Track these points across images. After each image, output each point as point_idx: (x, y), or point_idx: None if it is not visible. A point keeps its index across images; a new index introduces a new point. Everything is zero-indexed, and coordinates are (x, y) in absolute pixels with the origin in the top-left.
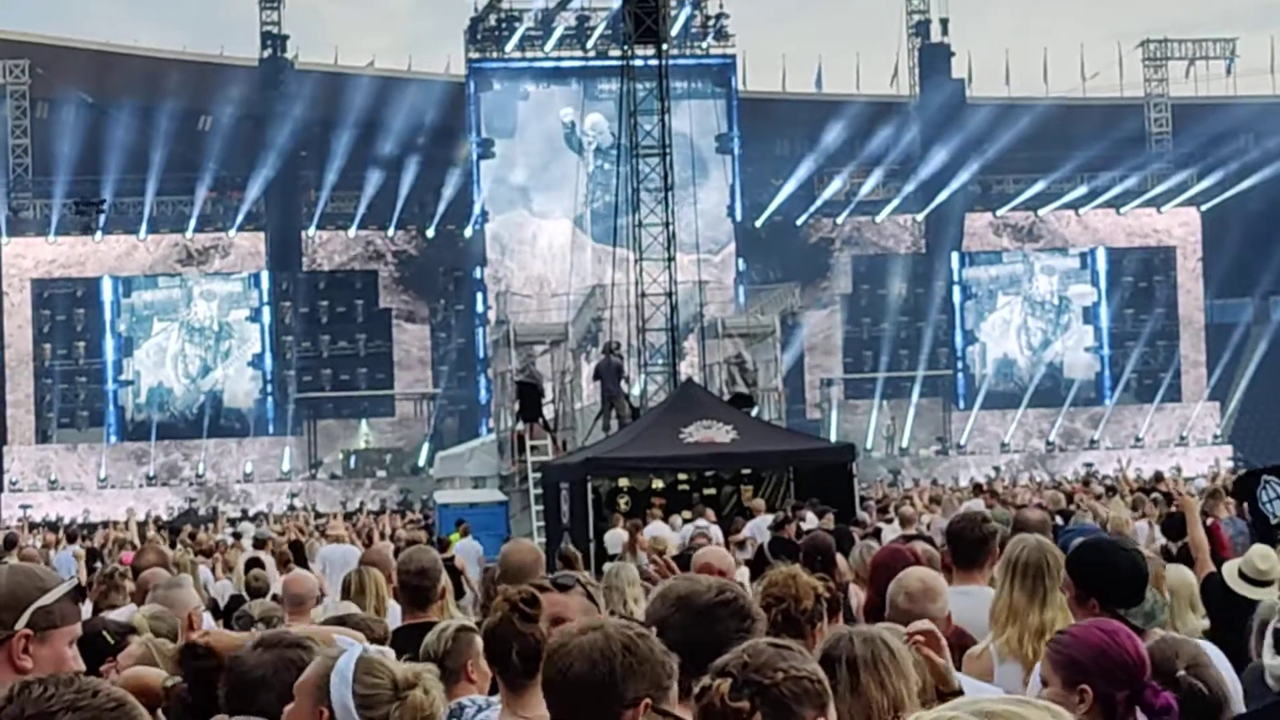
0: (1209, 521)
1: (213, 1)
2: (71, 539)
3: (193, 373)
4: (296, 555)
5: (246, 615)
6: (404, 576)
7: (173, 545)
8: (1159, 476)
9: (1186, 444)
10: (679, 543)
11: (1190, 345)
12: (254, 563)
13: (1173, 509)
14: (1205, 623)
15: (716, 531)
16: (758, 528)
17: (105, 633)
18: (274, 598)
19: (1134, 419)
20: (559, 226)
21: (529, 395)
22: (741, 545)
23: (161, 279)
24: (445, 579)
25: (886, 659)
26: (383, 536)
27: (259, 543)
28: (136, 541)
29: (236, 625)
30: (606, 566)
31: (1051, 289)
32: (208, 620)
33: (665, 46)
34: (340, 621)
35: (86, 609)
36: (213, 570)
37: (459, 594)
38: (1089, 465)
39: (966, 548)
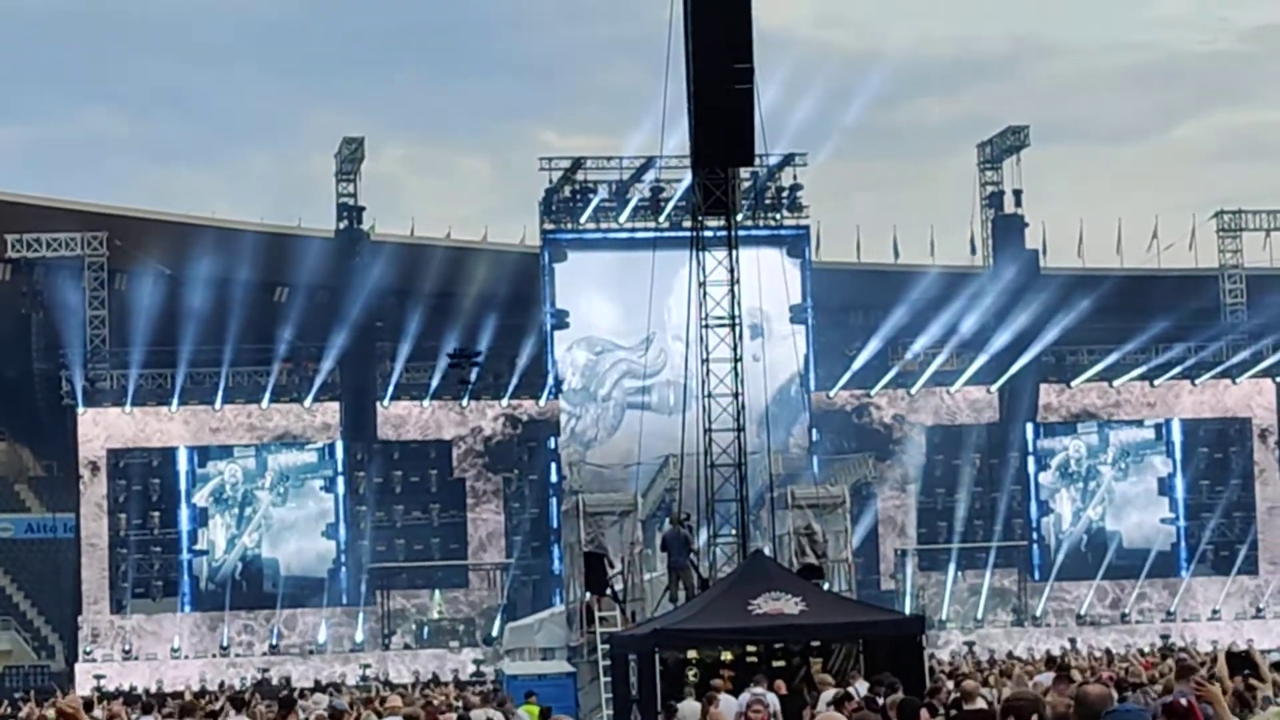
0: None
1: (290, 173)
2: (147, 710)
3: (267, 542)
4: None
5: None
6: None
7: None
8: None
9: (1263, 616)
10: (737, 711)
11: (1267, 517)
12: None
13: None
14: None
15: (773, 699)
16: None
17: None
18: None
19: (1210, 591)
20: (632, 396)
21: (595, 566)
22: None
23: (236, 449)
24: None
25: None
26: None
27: (335, 714)
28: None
29: None
30: None
31: (1126, 460)
32: None
33: (735, 218)
34: None
35: None
36: None
37: None
38: (1165, 637)
39: None
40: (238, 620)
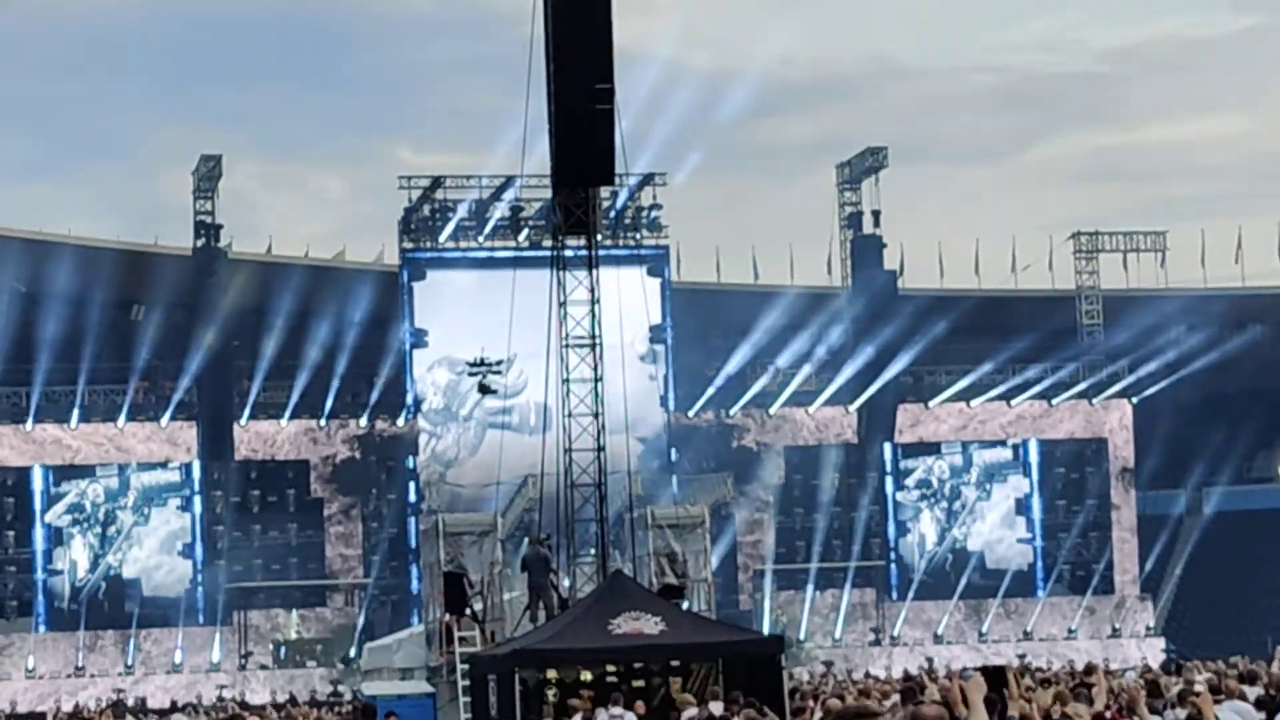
0: None
1: (146, 191)
2: None
3: (123, 562)
4: None
5: None
6: None
7: None
8: (1090, 669)
9: (1119, 636)
10: None
11: (1122, 537)
12: None
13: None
14: None
15: (632, 718)
16: None
17: None
18: None
19: (1066, 610)
20: (493, 416)
21: (454, 586)
22: None
23: (99, 468)
24: None
25: None
26: None
27: None
28: None
29: None
30: None
31: (984, 480)
32: None
33: (596, 238)
34: None
35: None
36: None
37: None
38: (1022, 656)
39: None
40: (93, 640)
